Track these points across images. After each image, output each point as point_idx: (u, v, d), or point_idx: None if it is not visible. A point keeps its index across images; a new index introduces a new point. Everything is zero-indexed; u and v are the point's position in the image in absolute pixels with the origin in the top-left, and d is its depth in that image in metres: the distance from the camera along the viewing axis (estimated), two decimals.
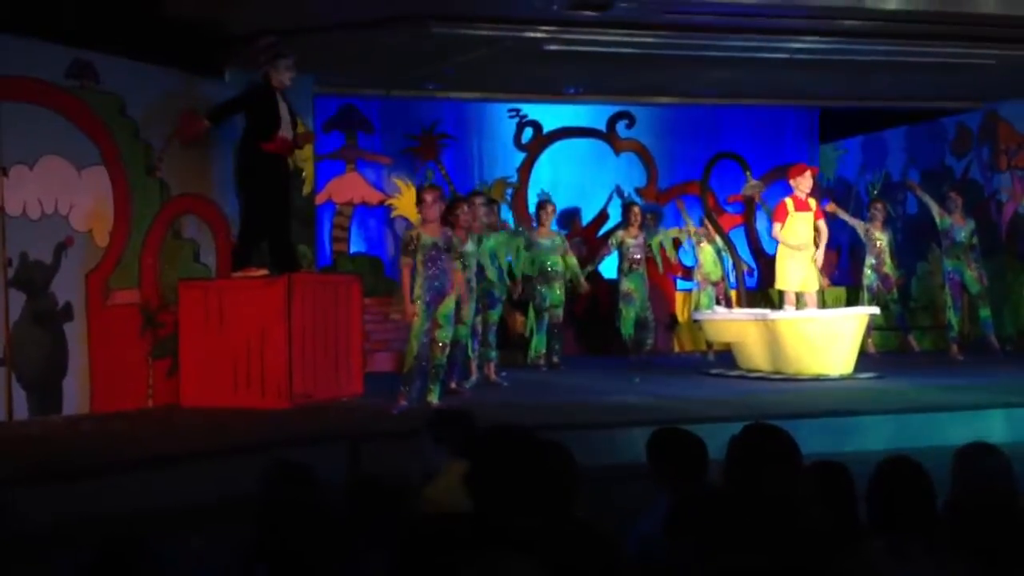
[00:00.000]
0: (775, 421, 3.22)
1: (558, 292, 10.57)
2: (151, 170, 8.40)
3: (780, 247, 9.67)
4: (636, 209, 11.32)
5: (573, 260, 10.72)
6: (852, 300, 11.86)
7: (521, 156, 13.01)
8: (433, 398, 7.52)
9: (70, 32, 7.76)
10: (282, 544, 2.40)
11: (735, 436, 2.98)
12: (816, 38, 9.49)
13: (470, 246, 8.48)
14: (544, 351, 10.61)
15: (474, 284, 8.50)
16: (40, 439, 6.70)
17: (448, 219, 8.19)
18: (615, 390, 8.69)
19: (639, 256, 11.12)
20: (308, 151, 10.10)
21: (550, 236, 10.66)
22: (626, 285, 11.10)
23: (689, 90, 11.83)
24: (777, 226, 9.62)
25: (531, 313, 10.69)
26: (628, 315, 11.10)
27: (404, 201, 12.22)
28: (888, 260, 11.37)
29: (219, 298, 8.16)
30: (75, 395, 7.77)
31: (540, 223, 10.75)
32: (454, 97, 12.07)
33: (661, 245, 11.71)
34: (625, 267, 11.14)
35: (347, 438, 6.44)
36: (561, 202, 12.82)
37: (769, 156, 13.48)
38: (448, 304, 7.56)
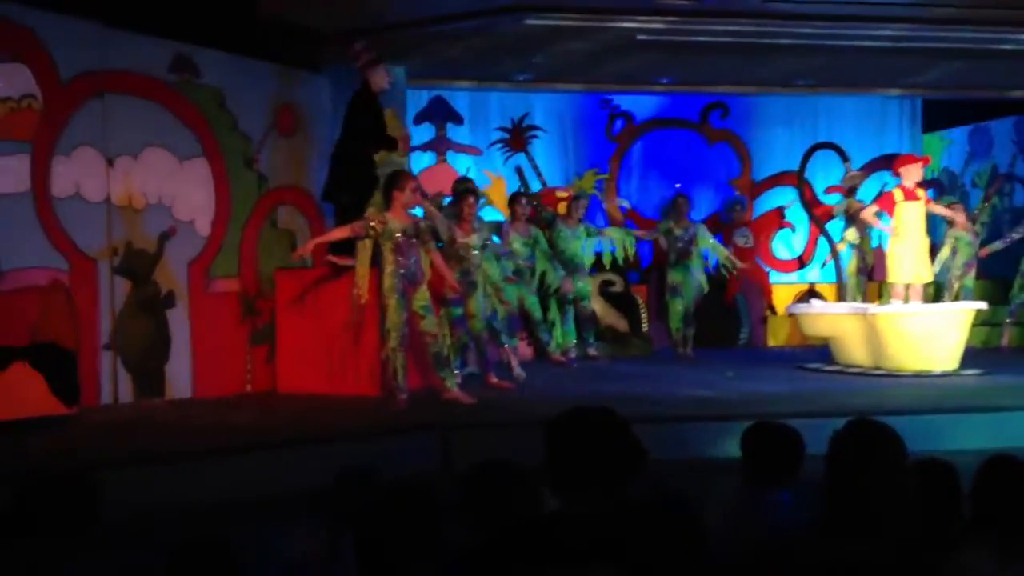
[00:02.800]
0: (876, 417, 3.14)
1: (582, 284, 10.36)
2: (249, 162, 8.58)
3: (892, 239, 9.44)
4: (680, 200, 11.00)
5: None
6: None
7: (612, 147, 12.95)
8: (450, 385, 7.41)
9: (172, 27, 7.96)
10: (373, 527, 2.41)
11: (838, 432, 2.92)
12: (919, 25, 9.25)
13: (475, 239, 8.42)
14: (573, 343, 10.29)
15: (476, 278, 8.38)
16: (144, 422, 6.89)
17: (454, 211, 8.26)
18: (706, 384, 8.59)
19: (689, 249, 10.78)
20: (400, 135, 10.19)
21: (575, 227, 10.30)
22: (673, 278, 10.81)
23: (785, 79, 11.62)
24: (883, 214, 9.40)
25: (553, 305, 10.38)
26: (675, 308, 10.80)
27: (494, 192, 12.26)
28: None
29: (314, 287, 8.30)
30: (177, 380, 8.00)
31: (569, 215, 10.37)
32: (544, 88, 12.06)
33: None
34: (672, 259, 10.85)
35: (439, 426, 6.49)
36: (653, 194, 12.74)
37: (870, 146, 13.17)
38: (422, 294, 7.30)
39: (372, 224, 7.22)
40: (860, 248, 11.08)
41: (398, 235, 7.19)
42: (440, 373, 7.43)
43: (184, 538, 2.56)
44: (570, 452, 2.54)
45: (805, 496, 3.00)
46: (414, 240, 7.27)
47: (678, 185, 12.27)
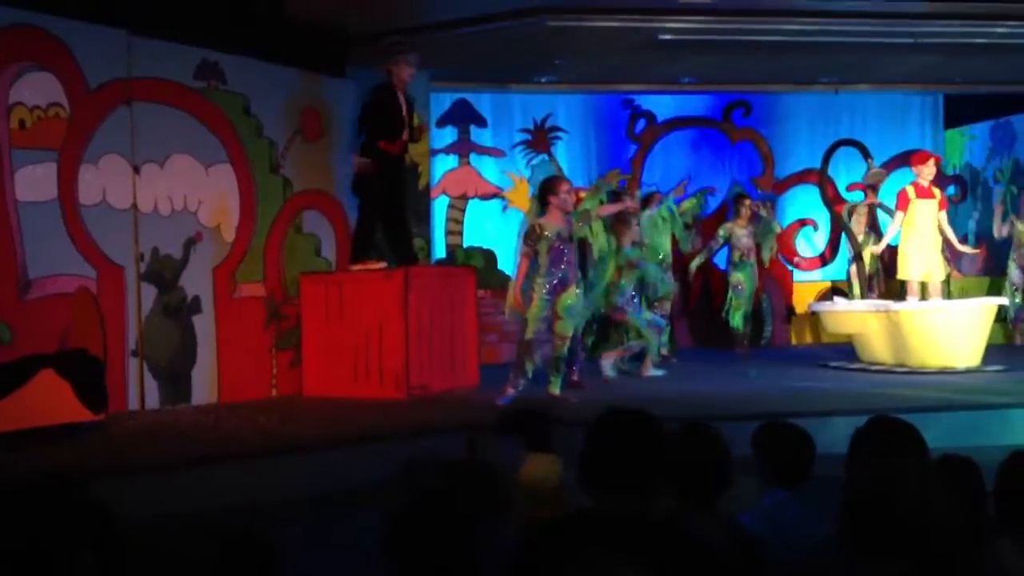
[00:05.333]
0: (898, 415, 3.15)
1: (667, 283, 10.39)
2: (274, 167, 8.65)
3: (903, 236, 9.43)
4: (748, 201, 11.21)
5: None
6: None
7: (634, 147, 12.95)
8: (555, 389, 7.54)
9: (198, 34, 8.04)
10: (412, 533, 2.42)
11: (859, 429, 2.93)
12: (941, 21, 9.21)
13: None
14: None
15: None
16: (171, 428, 6.96)
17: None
18: (729, 383, 8.60)
19: (750, 247, 11.02)
20: (423, 146, 10.26)
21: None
22: (736, 276, 11.00)
23: (808, 77, 11.61)
24: (899, 215, 9.38)
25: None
26: (738, 307, 11.00)
27: (517, 194, 12.29)
28: None
29: (339, 291, 8.35)
30: (203, 385, 8.07)
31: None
32: (567, 90, 12.09)
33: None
34: (736, 258, 11.02)
35: (464, 428, 6.51)
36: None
37: (892, 143, 13.12)
38: (569, 295, 7.47)
39: (539, 233, 7.41)
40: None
41: (554, 239, 7.38)
42: (551, 376, 7.56)
43: (222, 536, 2.60)
44: (603, 453, 2.55)
45: (823, 494, 3.00)
46: (570, 243, 7.49)
47: (738, 183, 12.37)
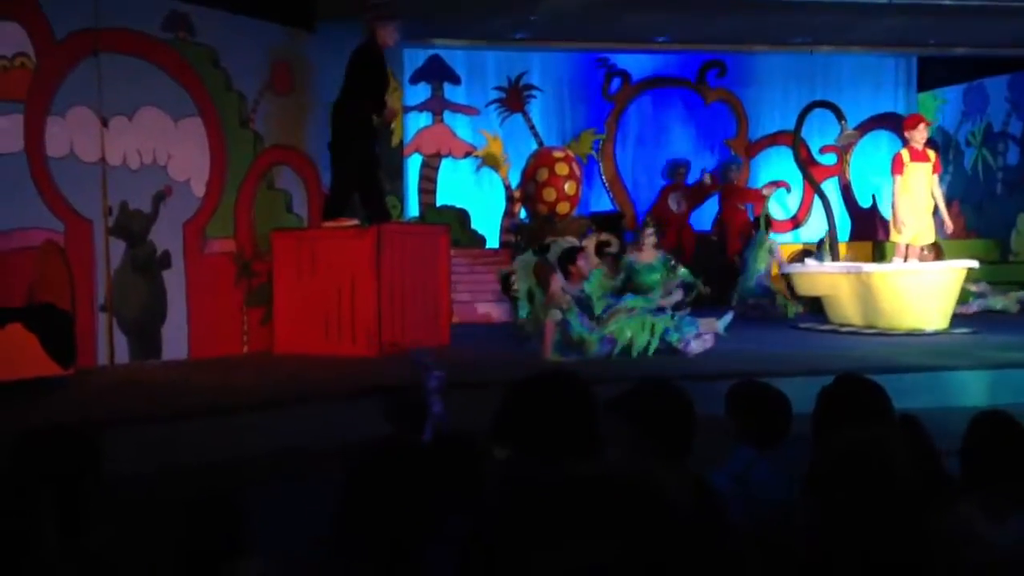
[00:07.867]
0: (866, 375, 3.17)
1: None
2: (245, 121, 8.54)
3: (897, 199, 9.45)
4: (649, 231, 10.38)
5: (683, 270, 9.41)
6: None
7: (609, 107, 12.90)
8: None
9: None
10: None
11: (826, 387, 2.94)
12: None
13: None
14: None
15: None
16: (141, 383, 6.92)
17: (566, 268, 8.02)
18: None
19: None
20: (396, 102, 10.16)
21: (651, 260, 9.52)
22: None
23: (783, 37, 11.58)
24: (898, 179, 9.39)
25: None
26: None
27: (490, 152, 12.23)
28: None
29: (311, 248, 8.29)
30: (173, 341, 8.01)
31: (641, 247, 9.71)
32: (541, 47, 12.00)
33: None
34: None
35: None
36: (649, 154, 12.73)
37: (865, 105, 13.15)
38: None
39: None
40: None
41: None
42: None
43: (188, 496, 2.58)
44: (526, 414, 2.54)
45: (792, 452, 3.02)
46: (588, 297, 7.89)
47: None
